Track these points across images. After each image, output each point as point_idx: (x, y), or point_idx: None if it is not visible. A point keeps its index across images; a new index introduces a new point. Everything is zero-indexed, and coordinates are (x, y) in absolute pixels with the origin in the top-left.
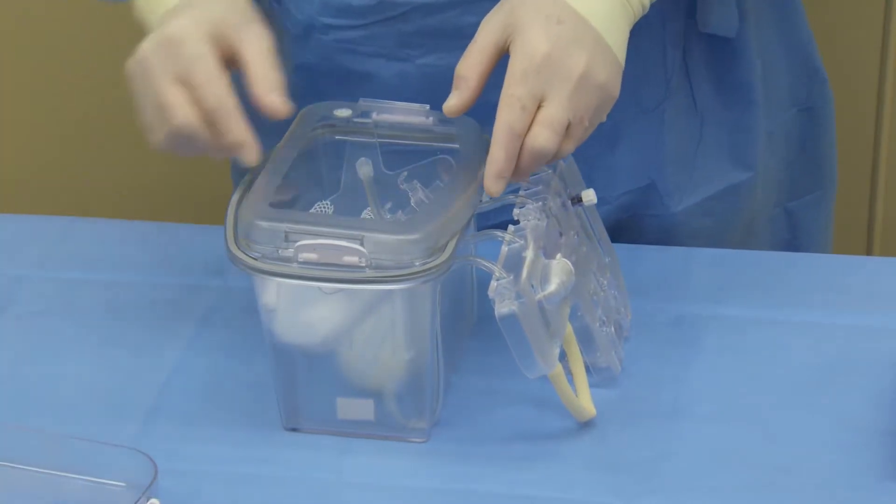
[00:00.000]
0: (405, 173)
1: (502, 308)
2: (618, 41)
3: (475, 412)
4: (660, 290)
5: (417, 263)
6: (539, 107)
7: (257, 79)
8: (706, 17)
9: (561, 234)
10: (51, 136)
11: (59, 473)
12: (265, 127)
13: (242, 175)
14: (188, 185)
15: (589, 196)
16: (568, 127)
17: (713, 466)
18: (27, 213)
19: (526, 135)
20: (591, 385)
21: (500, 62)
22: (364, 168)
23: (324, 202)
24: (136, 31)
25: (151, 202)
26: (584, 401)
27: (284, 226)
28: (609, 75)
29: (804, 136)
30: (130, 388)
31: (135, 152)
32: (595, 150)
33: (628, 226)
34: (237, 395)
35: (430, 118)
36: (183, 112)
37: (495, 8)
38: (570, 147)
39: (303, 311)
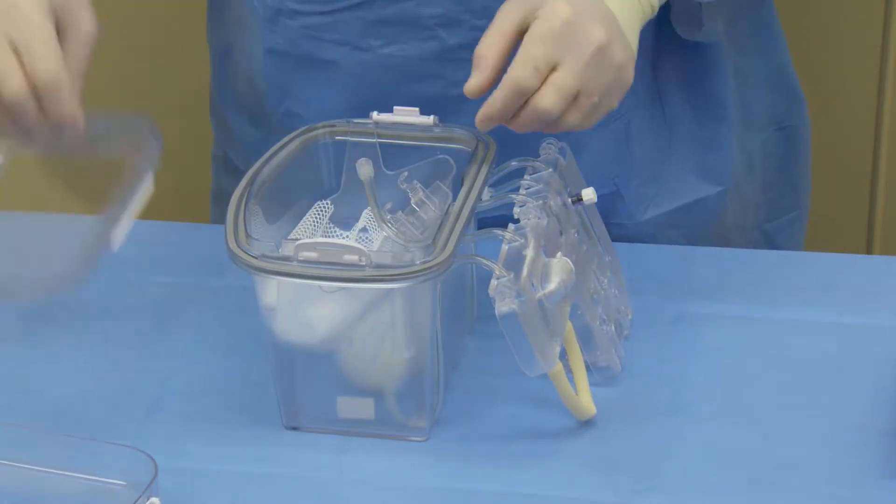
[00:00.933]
0: (405, 173)
1: (502, 306)
2: (631, 31)
3: (475, 411)
4: (660, 289)
5: (417, 262)
6: (553, 71)
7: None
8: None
9: (561, 233)
10: None
11: (59, 472)
12: (264, 109)
13: (225, 172)
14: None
15: (589, 195)
16: (577, 97)
17: (713, 465)
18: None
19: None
20: (592, 384)
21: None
22: (364, 168)
23: (324, 202)
24: (136, 31)
25: (151, 202)
26: (585, 399)
27: (285, 225)
28: (625, 58)
29: (782, 155)
30: (130, 387)
31: None
32: None
33: None
34: (237, 395)
35: (431, 118)
36: (15, 82)
37: None
38: (575, 118)
39: (303, 309)
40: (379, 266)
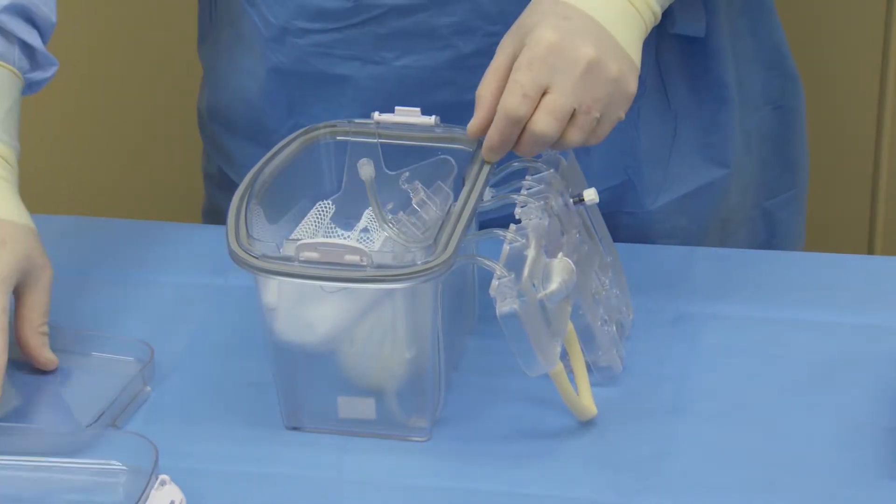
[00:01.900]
0: (407, 173)
1: (503, 307)
2: (630, 43)
3: (476, 410)
4: (661, 289)
5: (419, 262)
6: (545, 94)
7: (33, 326)
8: (670, 18)
9: (563, 233)
10: (51, 135)
11: (60, 460)
12: (265, 127)
13: (219, 189)
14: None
15: (591, 195)
16: (574, 116)
17: (714, 464)
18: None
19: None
20: (593, 384)
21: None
22: (365, 168)
23: (325, 202)
24: (136, 31)
25: (151, 202)
26: (586, 399)
27: (286, 225)
28: (621, 70)
29: (778, 134)
30: (130, 387)
31: (135, 152)
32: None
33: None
34: (238, 395)
35: (432, 118)
36: None
37: (509, 31)
38: (577, 136)
39: (304, 309)
40: (380, 266)
